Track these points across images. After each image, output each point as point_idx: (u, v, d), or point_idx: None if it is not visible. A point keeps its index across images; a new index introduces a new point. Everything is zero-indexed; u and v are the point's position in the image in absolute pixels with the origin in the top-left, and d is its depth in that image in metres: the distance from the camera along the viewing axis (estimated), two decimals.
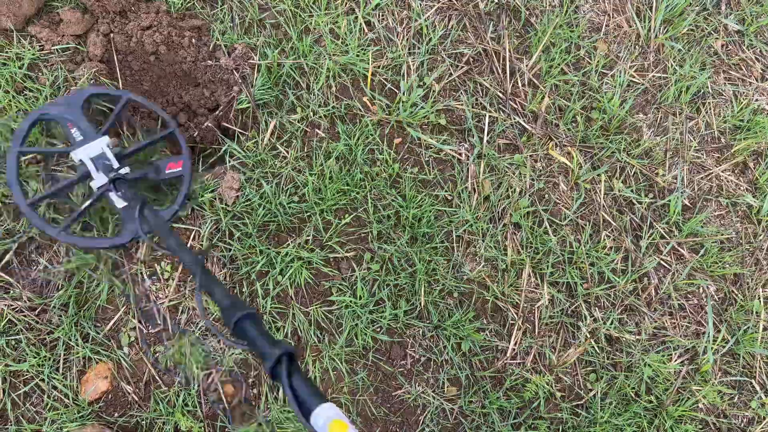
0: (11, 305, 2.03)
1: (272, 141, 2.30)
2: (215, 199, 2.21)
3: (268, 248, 2.18)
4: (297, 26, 2.42)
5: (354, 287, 2.23)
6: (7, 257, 2.09)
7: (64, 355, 2.02)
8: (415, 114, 2.36)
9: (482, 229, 2.35)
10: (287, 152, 2.28)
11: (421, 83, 2.41)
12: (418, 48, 2.49)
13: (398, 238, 2.28)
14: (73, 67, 2.22)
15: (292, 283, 2.20)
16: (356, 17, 2.47)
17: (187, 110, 2.39)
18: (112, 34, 2.22)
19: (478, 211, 2.36)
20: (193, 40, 2.26)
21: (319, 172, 2.29)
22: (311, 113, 2.35)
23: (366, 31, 2.46)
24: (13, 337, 2.03)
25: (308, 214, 2.23)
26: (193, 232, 2.19)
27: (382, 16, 2.51)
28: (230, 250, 2.18)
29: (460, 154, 2.42)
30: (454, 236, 2.33)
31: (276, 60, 2.31)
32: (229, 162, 2.25)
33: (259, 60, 2.33)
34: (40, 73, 2.25)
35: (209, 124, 2.32)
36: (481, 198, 2.37)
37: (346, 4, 2.47)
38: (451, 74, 2.49)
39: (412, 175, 2.35)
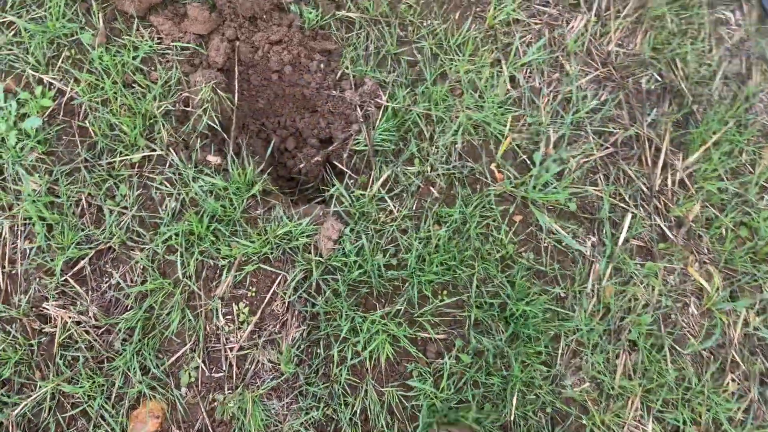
0: (76, 319, 1.89)
1: (382, 192, 2.08)
2: (310, 246, 2.01)
3: (355, 312, 1.98)
4: (434, 69, 2.19)
5: (438, 376, 2.01)
6: (81, 264, 1.95)
7: (120, 386, 1.86)
8: (545, 193, 2.10)
9: (594, 341, 2.08)
10: (396, 208, 2.06)
11: (558, 159, 2.14)
12: (563, 118, 2.22)
13: (498, 332, 2.04)
14: (189, 70, 2.05)
15: (372, 356, 1.99)
16: (501, 70, 2.21)
17: (298, 137, 2.19)
18: (237, 42, 2.03)
19: (592, 320, 2.09)
20: (322, 65, 2.06)
21: (426, 237, 2.06)
22: (429, 168, 2.12)
23: (509, 87, 2.20)
24: (71, 354, 1.91)
25: (405, 283, 2.01)
26: (279, 277, 2.00)
27: (530, 73, 2.25)
28: (315, 305, 1.98)
29: (585, 249, 2.14)
30: (561, 343, 2.07)
31: (405, 104, 2.08)
32: (333, 207, 2.05)
33: (387, 101, 2.10)
34: (153, 69, 2.09)
35: (319, 159, 2.12)
36: (599, 305, 2.10)
37: (494, 53, 2.21)
38: (593, 154, 2.21)
39: (526, 261, 2.10)
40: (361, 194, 2.10)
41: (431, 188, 2.15)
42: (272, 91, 2.16)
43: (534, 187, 2.15)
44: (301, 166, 2.15)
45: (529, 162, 2.21)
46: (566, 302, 2.15)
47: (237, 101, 2.06)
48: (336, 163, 2.15)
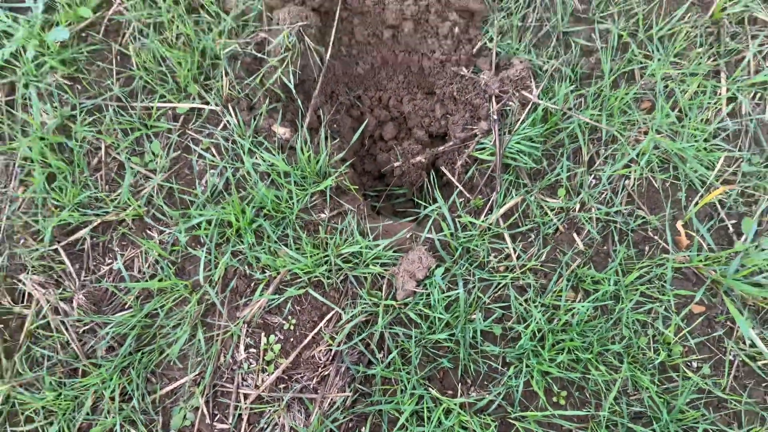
0: (56, 306, 1.38)
1: (501, 225, 1.41)
2: (382, 280, 1.38)
3: (427, 390, 1.34)
4: (619, 65, 1.47)
5: None
6: (80, 234, 1.43)
7: (89, 410, 1.34)
8: (750, 282, 1.35)
9: None
10: (516, 253, 1.39)
11: None
12: None
13: None
14: (277, 4, 1.46)
15: None
16: (718, 85, 1.46)
17: (400, 123, 1.56)
18: None
19: None
20: (456, 29, 1.41)
21: (553, 306, 1.38)
22: (578, 206, 1.42)
23: (725, 113, 1.45)
24: (40, 351, 1.39)
25: (508, 366, 1.36)
26: (332, 314, 1.39)
27: (762, 100, 1.47)
28: (371, 365, 1.35)
29: None
30: None
31: (565, 106, 1.40)
32: (426, 232, 1.40)
33: (538, 96, 1.42)
34: None
35: (422, 160, 1.47)
36: None
37: (713, 59, 1.47)
38: None
39: (699, 378, 1.37)
40: (470, 222, 1.44)
41: (575, 236, 1.45)
42: (380, 54, 1.55)
43: (736, 271, 1.39)
44: (397, 164, 1.52)
45: (733, 231, 1.45)
46: None
47: (329, 58, 1.45)
48: (444, 171, 1.49)
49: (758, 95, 1.59)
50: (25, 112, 1.56)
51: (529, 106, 1.54)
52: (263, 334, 1.51)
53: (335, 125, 1.66)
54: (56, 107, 1.55)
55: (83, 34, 1.60)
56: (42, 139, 1.53)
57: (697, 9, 1.65)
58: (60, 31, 1.51)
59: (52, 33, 1.52)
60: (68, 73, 1.56)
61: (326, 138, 1.54)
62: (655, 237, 1.52)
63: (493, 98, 1.54)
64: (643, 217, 1.53)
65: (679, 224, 1.51)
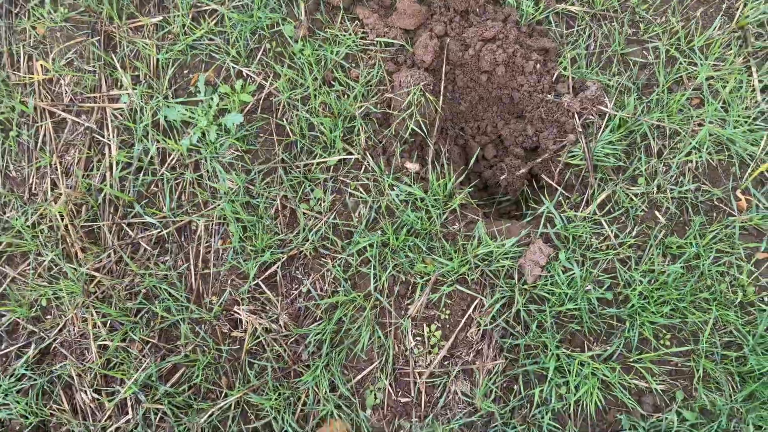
0: (266, 326, 1.87)
1: (599, 214, 1.88)
2: (513, 270, 1.86)
3: (562, 350, 1.80)
4: (670, 73, 1.95)
5: None
6: (273, 268, 1.92)
7: (307, 402, 1.82)
8: None
9: None
10: (613, 234, 1.86)
11: None
12: None
13: (731, 389, 1.80)
14: (393, 68, 1.98)
15: (578, 401, 1.81)
16: (751, 76, 1.92)
17: (499, 145, 2.04)
18: (447, 38, 1.90)
19: None
20: (538, 66, 1.89)
21: (649, 270, 1.85)
22: (656, 190, 1.89)
23: (759, 100, 1.91)
24: (259, 363, 1.89)
25: (622, 322, 1.81)
26: (477, 301, 1.87)
27: None
28: (514, 337, 1.83)
29: None
30: None
31: (634, 113, 1.86)
32: (542, 228, 1.88)
33: (612, 108, 1.89)
34: (355, 66, 2.02)
35: (523, 171, 1.95)
36: None
37: (744, 58, 1.93)
38: None
39: None
40: (573, 215, 1.92)
41: (657, 213, 1.92)
42: (477, 94, 2.04)
43: None
44: (503, 177, 2.00)
45: None
46: None
47: (440, 103, 1.94)
48: (544, 177, 1.98)
49: None
50: (212, 181, 2.06)
51: (606, 116, 2.02)
52: (425, 324, 2.00)
53: (447, 154, 2.15)
54: (237, 174, 2.05)
55: (247, 114, 2.10)
56: (232, 201, 2.03)
57: (724, 19, 2.12)
58: (235, 116, 2.02)
59: (228, 117, 2.02)
60: (243, 147, 2.07)
61: (448, 166, 2.03)
62: (720, 205, 1.99)
63: (576, 115, 2.02)
64: (708, 191, 2.00)
65: (738, 192, 1.98)
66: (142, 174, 2.10)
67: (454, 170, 2.11)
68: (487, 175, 2.20)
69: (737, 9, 2.12)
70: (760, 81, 2.05)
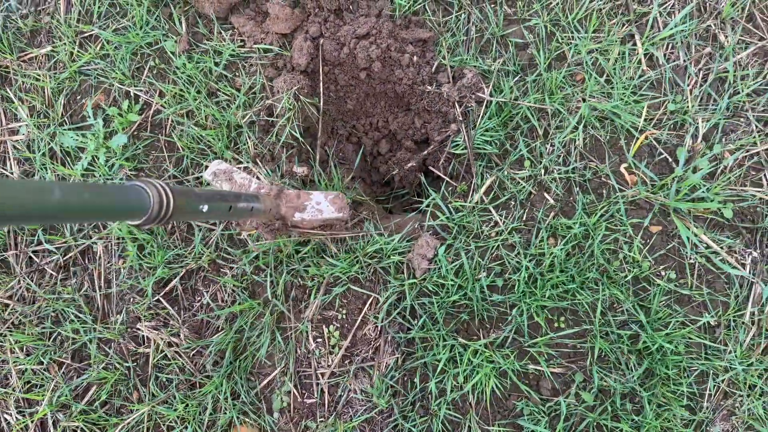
0: (168, 341, 1.94)
1: (485, 201, 1.89)
2: (402, 265, 1.89)
3: (455, 340, 1.84)
4: (549, 51, 1.93)
5: (554, 417, 1.83)
6: (172, 284, 1.99)
7: (211, 410, 1.90)
8: (691, 199, 1.80)
9: (751, 381, 1.77)
10: (501, 219, 1.87)
11: (709, 155, 1.81)
12: (716, 103, 1.87)
13: (628, 368, 1.81)
14: (273, 74, 2.01)
15: (475, 390, 1.85)
16: (635, 47, 1.90)
17: (392, 139, 2.06)
18: (321, 39, 1.92)
19: (750, 355, 1.77)
20: (415, 58, 1.90)
21: (537, 254, 1.86)
22: (543, 171, 1.90)
23: (645, 68, 1.89)
24: (165, 376, 1.97)
25: (513, 308, 1.83)
26: (371, 299, 1.91)
27: (673, 49, 1.92)
28: (409, 331, 1.87)
29: (743, 266, 1.81)
30: (709, 383, 1.79)
31: (512, 96, 1.86)
32: (428, 221, 1.90)
33: (490, 94, 1.89)
34: (237, 75, 2.05)
35: (413, 165, 1.97)
36: (760, 337, 1.78)
37: (625, 27, 1.91)
38: (755, 147, 1.84)
39: (665, 283, 1.83)
40: (461, 205, 1.94)
41: (545, 195, 1.94)
42: (362, 91, 2.05)
43: (677, 192, 1.85)
44: (395, 172, 2.02)
45: (671, 160, 1.90)
46: (717, 334, 1.84)
47: (323, 105, 1.98)
48: (432, 169, 1.99)
49: (668, 46, 2.02)
50: None
51: (485, 103, 2.02)
52: (324, 326, 2.05)
53: (342, 153, 2.18)
54: None
55: (137, 132, 2.16)
56: None
57: None
58: (119, 137, 2.08)
59: (114, 140, 2.09)
60: (133, 166, 2.13)
61: (335, 167, 2.06)
62: (608, 181, 1.98)
63: (456, 104, 2.02)
64: (595, 167, 1.99)
65: (623, 167, 1.97)
66: None
67: (348, 169, 2.14)
68: (384, 170, 2.22)
69: None
70: (644, 48, 2.01)
